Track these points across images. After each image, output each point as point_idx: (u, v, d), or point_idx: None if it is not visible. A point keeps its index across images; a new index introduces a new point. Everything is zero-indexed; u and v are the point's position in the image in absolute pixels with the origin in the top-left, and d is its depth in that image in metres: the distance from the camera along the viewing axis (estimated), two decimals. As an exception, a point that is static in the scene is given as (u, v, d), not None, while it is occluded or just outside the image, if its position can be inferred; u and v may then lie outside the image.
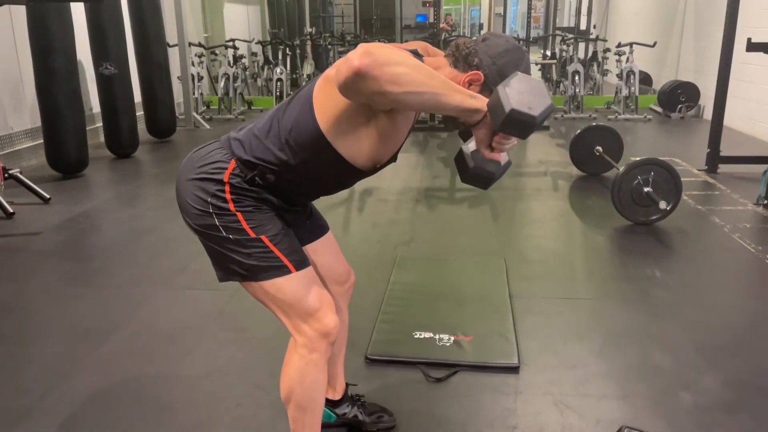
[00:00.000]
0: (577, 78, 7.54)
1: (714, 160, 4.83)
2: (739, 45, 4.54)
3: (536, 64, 9.46)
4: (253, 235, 1.37)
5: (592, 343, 2.36)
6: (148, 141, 6.37)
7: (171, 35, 7.05)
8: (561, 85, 8.39)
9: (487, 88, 1.32)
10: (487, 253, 3.30)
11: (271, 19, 12.15)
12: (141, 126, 6.15)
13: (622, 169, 3.65)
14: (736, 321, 2.55)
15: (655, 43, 7.84)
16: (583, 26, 10.89)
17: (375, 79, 1.12)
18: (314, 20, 12.98)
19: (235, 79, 7.98)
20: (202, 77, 8.12)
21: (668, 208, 3.58)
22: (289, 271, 1.38)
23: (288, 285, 1.39)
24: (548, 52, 10.47)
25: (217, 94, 8.16)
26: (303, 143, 1.35)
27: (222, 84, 7.87)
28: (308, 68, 9.02)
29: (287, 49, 8.63)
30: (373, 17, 14.10)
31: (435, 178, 4.90)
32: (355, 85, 1.14)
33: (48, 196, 4.22)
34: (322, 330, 1.41)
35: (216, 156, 1.40)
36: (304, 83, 1.57)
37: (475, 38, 1.41)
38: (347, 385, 1.88)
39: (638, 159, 3.71)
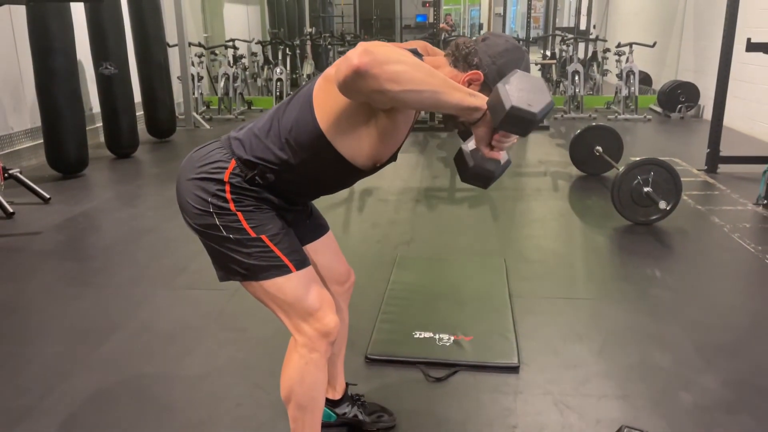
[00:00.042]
0: (576, 78, 7.54)
1: (714, 160, 4.83)
2: (739, 45, 4.55)
3: (536, 64, 9.46)
4: (253, 234, 1.37)
5: (592, 342, 2.36)
6: (148, 141, 6.37)
7: (171, 35, 7.05)
8: (561, 85, 8.40)
9: (487, 87, 1.31)
10: (487, 253, 3.30)
11: (271, 19, 12.15)
12: (141, 126, 6.15)
13: (621, 169, 3.65)
14: (736, 321, 2.55)
15: (654, 43, 7.84)
16: (582, 26, 10.89)
17: (374, 77, 1.12)
18: (314, 20, 12.98)
19: (235, 79, 7.98)
20: (202, 77, 8.12)
21: (668, 208, 3.58)
22: (289, 271, 1.39)
23: (288, 284, 1.39)
24: (548, 52, 10.47)
25: (217, 94, 8.17)
26: (303, 142, 1.35)
27: (222, 84, 7.87)
28: (308, 68, 9.02)
29: (287, 49, 8.63)
30: (372, 17, 14.11)
31: (435, 178, 4.90)
32: (354, 84, 1.14)
33: (48, 196, 4.22)
34: (323, 329, 1.41)
35: (216, 156, 1.40)
36: (303, 83, 1.57)
37: (474, 38, 1.41)
38: (347, 384, 1.88)
39: (638, 159, 3.71)
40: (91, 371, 2.20)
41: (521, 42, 9.15)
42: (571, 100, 7.68)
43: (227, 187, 1.37)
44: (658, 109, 7.71)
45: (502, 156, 1.34)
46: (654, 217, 3.61)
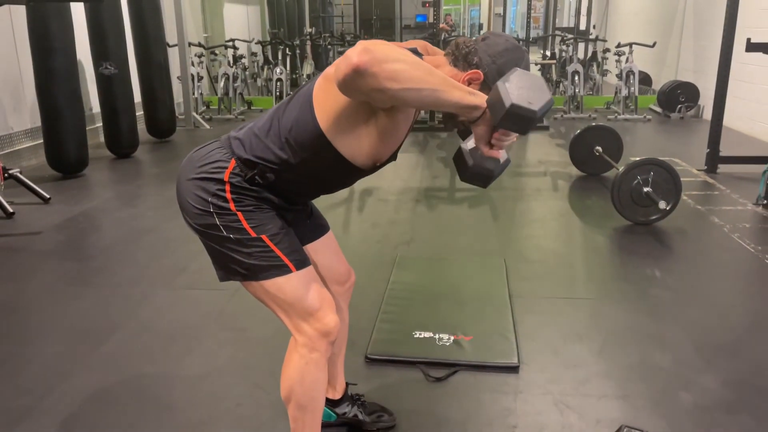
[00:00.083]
0: (576, 78, 7.54)
1: (713, 160, 4.84)
2: (739, 45, 4.55)
3: (536, 64, 9.46)
4: (253, 234, 1.37)
5: (591, 342, 2.36)
6: (148, 141, 6.37)
7: (171, 35, 7.05)
8: (561, 85, 8.40)
9: (487, 86, 1.31)
10: (487, 253, 3.30)
11: (270, 19, 12.16)
12: (141, 126, 6.15)
13: (621, 169, 3.65)
14: (735, 321, 2.55)
15: (654, 44, 7.85)
16: (582, 26, 10.89)
17: (374, 75, 1.12)
18: (314, 20, 12.99)
19: (235, 79, 7.98)
20: (201, 77, 8.13)
21: (668, 208, 3.58)
22: (289, 271, 1.39)
23: (288, 284, 1.39)
24: (548, 53, 10.48)
25: (216, 94, 8.17)
26: (303, 142, 1.35)
27: (222, 84, 7.87)
28: (308, 68, 9.03)
29: (287, 49, 8.63)
30: (372, 17, 14.12)
31: (435, 178, 4.90)
32: (354, 82, 1.14)
33: (48, 196, 4.22)
34: (323, 329, 1.41)
35: (216, 155, 1.40)
36: (303, 83, 1.57)
37: (474, 37, 1.41)
38: (347, 384, 1.88)
39: (638, 159, 3.71)
40: (91, 371, 2.20)
41: (521, 42, 9.14)
42: (570, 101, 7.69)
43: (227, 187, 1.37)
44: (658, 109, 7.71)
45: (502, 155, 1.34)
46: (654, 217, 3.62)
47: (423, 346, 2.30)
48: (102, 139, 5.88)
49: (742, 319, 2.57)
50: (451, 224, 3.82)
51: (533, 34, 12.99)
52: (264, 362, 2.22)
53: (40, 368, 2.22)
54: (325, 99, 1.32)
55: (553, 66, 8.91)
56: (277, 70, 8.16)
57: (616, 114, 7.45)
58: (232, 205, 1.37)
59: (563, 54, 8.93)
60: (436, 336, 2.36)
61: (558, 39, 9.64)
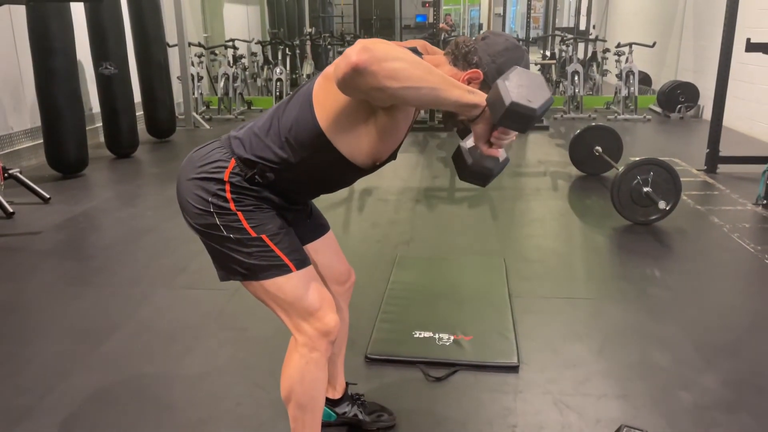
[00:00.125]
0: (576, 78, 7.55)
1: (713, 160, 4.84)
2: (739, 45, 4.55)
3: (536, 64, 9.46)
4: (253, 234, 1.37)
5: (591, 342, 2.36)
6: (148, 141, 6.37)
7: (171, 35, 7.05)
8: (560, 85, 8.40)
9: (487, 85, 1.31)
10: (486, 253, 3.30)
11: (270, 19, 12.16)
12: (141, 126, 6.15)
13: (621, 169, 3.65)
14: (735, 320, 2.55)
15: (654, 44, 7.85)
16: (582, 26, 10.89)
17: (373, 74, 1.12)
18: (314, 20, 12.99)
19: (235, 79, 7.98)
20: (201, 77, 8.13)
21: (667, 208, 3.58)
22: (289, 270, 1.39)
23: (288, 284, 1.39)
24: (548, 53, 10.48)
25: (216, 94, 8.17)
26: (303, 141, 1.35)
27: (222, 84, 7.87)
28: (308, 68, 9.03)
29: (287, 49, 8.63)
30: (372, 17, 14.13)
31: (435, 177, 4.90)
32: (353, 81, 1.15)
33: (48, 196, 4.22)
34: (323, 329, 1.41)
35: (216, 155, 1.41)
36: (303, 83, 1.57)
37: (474, 37, 1.41)
38: (347, 384, 1.88)
39: (637, 159, 3.72)
40: (91, 371, 2.20)
41: (521, 42, 9.15)
42: (570, 101, 7.69)
43: (227, 187, 1.37)
44: (658, 109, 7.71)
45: (501, 154, 1.34)
46: (653, 217, 3.62)
47: (423, 345, 2.30)
48: (102, 139, 5.88)
49: (742, 319, 2.57)
50: (450, 224, 3.82)
51: (533, 34, 12.99)
52: (264, 362, 2.22)
53: (40, 368, 2.22)
54: (325, 98, 1.32)
55: (553, 66, 8.92)
56: (277, 70, 8.16)
57: (615, 114, 7.45)
58: (232, 205, 1.37)
59: (563, 54, 8.93)
60: (436, 336, 2.37)
61: (558, 39, 9.64)
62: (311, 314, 1.41)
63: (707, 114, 6.34)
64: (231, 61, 8.39)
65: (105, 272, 3.08)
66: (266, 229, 1.38)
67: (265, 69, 9.24)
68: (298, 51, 9.46)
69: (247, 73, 9.15)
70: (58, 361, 2.27)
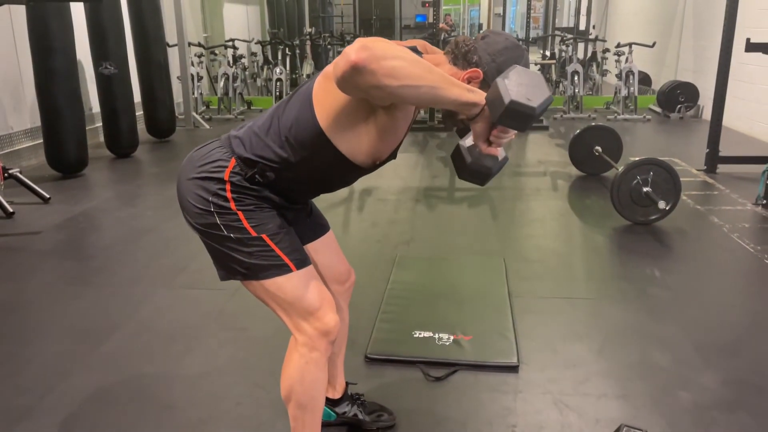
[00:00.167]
0: (576, 78, 7.55)
1: (713, 160, 4.84)
2: (738, 45, 4.55)
3: (536, 64, 9.46)
4: (254, 233, 1.37)
5: (591, 342, 2.36)
6: (148, 141, 6.38)
7: (171, 35, 7.05)
8: (560, 85, 8.40)
9: (486, 85, 1.31)
10: (486, 253, 3.30)
11: (270, 19, 12.16)
12: (141, 126, 6.15)
13: (621, 169, 3.65)
14: (735, 320, 2.55)
15: (654, 44, 7.85)
16: (582, 26, 10.89)
17: (372, 72, 1.12)
18: (314, 20, 12.99)
19: (235, 79, 7.99)
20: (201, 77, 8.13)
21: (667, 208, 3.58)
22: (290, 270, 1.39)
23: (289, 284, 1.39)
24: (547, 53, 10.48)
25: (216, 94, 8.17)
26: (303, 140, 1.35)
27: (221, 84, 7.88)
28: (308, 68, 9.03)
29: (287, 49, 8.63)
30: (372, 17, 14.13)
31: (434, 177, 4.90)
32: (352, 79, 1.14)
33: (48, 196, 4.22)
34: (323, 329, 1.41)
35: (216, 155, 1.41)
36: (303, 83, 1.57)
37: (474, 36, 1.41)
38: (347, 383, 1.88)
39: (637, 159, 3.72)
40: (91, 371, 2.20)
41: (521, 42, 9.15)
42: (570, 101, 7.69)
43: (228, 186, 1.37)
44: (658, 109, 7.72)
45: (500, 152, 1.34)
46: (653, 217, 3.62)
47: (423, 345, 2.31)
48: (102, 138, 5.88)
49: (742, 318, 2.57)
50: (450, 224, 3.82)
51: (533, 34, 12.99)
52: (264, 362, 2.22)
53: (39, 368, 2.22)
54: (325, 97, 1.33)
55: (553, 66, 8.92)
56: (277, 70, 8.16)
57: (615, 114, 7.45)
58: (232, 204, 1.37)
59: (563, 54, 8.94)
60: (436, 335, 2.37)
61: (558, 39, 9.64)
62: (311, 314, 1.41)
63: (707, 114, 6.35)
64: (231, 61, 8.39)
65: (105, 272, 3.08)
66: (267, 229, 1.38)
67: (265, 69, 9.25)
68: (297, 51, 9.45)
69: (246, 73, 9.15)
70: (58, 361, 2.27)
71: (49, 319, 2.60)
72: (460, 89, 1.21)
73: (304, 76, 9.04)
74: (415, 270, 3.04)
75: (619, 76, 7.57)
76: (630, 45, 7.54)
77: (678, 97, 7.38)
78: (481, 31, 1.45)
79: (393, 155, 1.44)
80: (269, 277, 1.38)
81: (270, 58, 9.25)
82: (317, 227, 1.67)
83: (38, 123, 4.89)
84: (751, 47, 4.29)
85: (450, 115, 1.35)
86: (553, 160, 5.39)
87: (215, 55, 9.32)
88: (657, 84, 8.36)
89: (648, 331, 2.44)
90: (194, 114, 7.30)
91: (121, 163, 5.48)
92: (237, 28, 11.03)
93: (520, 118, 1.18)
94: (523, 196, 4.37)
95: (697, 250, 3.34)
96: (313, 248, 1.62)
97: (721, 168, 4.84)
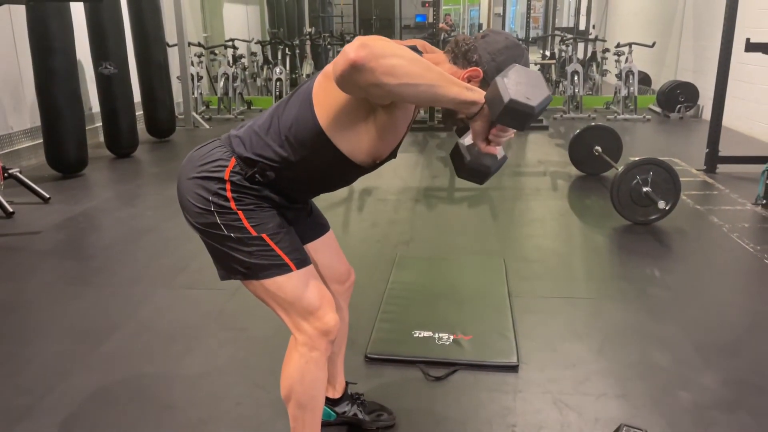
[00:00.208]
0: (576, 78, 7.55)
1: (713, 160, 4.84)
2: (738, 45, 4.55)
3: (535, 64, 9.46)
4: (254, 233, 1.37)
5: (591, 341, 2.36)
6: (148, 141, 6.38)
7: (170, 35, 7.05)
8: (560, 85, 8.40)
9: (486, 84, 1.31)
10: (486, 253, 3.30)
11: (270, 19, 12.16)
12: (140, 126, 6.15)
13: (621, 169, 3.65)
14: (734, 320, 2.55)
15: (654, 44, 7.85)
16: (582, 26, 10.90)
17: (371, 70, 1.12)
18: (314, 20, 12.99)
19: (235, 78, 7.99)
20: (201, 77, 8.13)
21: (667, 208, 3.58)
22: (290, 270, 1.39)
23: (289, 283, 1.39)
24: (547, 53, 10.48)
25: (216, 94, 8.17)
26: (303, 139, 1.35)
27: (221, 84, 7.88)
28: (307, 68, 9.03)
29: (287, 48, 8.63)
30: (372, 17, 14.12)
31: (434, 177, 4.90)
32: (351, 78, 1.14)
33: (48, 196, 4.22)
34: (323, 328, 1.41)
35: (216, 154, 1.41)
36: (303, 82, 1.57)
37: (474, 35, 1.41)
38: (347, 383, 1.88)
39: (637, 159, 3.72)
40: (91, 371, 2.20)
41: (521, 42, 9.15)
42: (570, 100, 7.69)
43: (228, 186, 1.37)
44: (658, 109, 7.72)
45: (499, 151, 1.34)
46: (653, 217, 3.62)
47: (422, 345, 2.31)
48: (102, 138, 5.88)
49: (742, 318, 2.58)
50: (450, 224, 3.82)
51: (533, 34, 12.98)
52: (264, 361, 2.22)
53: (40, 368, 2.22)
54: (325, 97, 1.33)
55: (553, 66, 8.92)
56: (277, 69, 8.16)
57: (615, 114, 7.45)
58: (232, 204, 1.37)
59: (563, 54, 8.94)
60: (436, 335, 2.37)
61: (557, 39, 9.64)
62: (311, 313, 1.41)
63: (707, 114, 6.35)
64: (231, 61, 8.39)
65: (105, 272, 3.08)
66: (267, 228, 1.38)
67: (265, 69, 9.25)
68: (297, 51, 9.46)
69: (246, 72, 9.15)
70: (58, 361, 2.27)
71: (49, 319, 2.60)
72: (459, 88, 1.21)
73: (304, 76, 9.04)
74: (415, 270, 3.04)
75: (618, 76, 7.57)
76: (630, 45, 7.54)
77: (678, 97, 7.38)
78: (480, 31, 1.45)
79: (393, 154, 1.45)
80: (269, 276, 1.38)
81: (270, 57, 9.25)
82: (317, 227, 1.67)
83: (38, 123, 4.89)
84: (751, 47, 4.29)
85: (449, 114, 1.35)
86: (553, 160, 5.39)
87: (215, 55, 9.32)
88: (657, 84, 8.36)
89: (648, 331, 2.44)
90: (194, 114, 7.30)
91: (121, 163, 5.48)
92: (237, 28, 11.03)
93: (519, 117, 1.18)
94: (523, 196, 4.37)
95: (697, 250, 3.34)
96: (313, 248, 1.62)
97: (721, 168, 4.85)
